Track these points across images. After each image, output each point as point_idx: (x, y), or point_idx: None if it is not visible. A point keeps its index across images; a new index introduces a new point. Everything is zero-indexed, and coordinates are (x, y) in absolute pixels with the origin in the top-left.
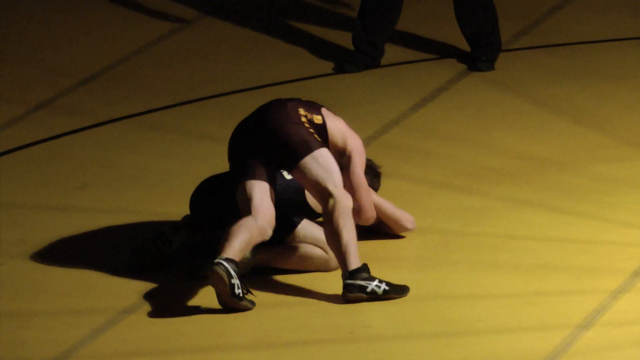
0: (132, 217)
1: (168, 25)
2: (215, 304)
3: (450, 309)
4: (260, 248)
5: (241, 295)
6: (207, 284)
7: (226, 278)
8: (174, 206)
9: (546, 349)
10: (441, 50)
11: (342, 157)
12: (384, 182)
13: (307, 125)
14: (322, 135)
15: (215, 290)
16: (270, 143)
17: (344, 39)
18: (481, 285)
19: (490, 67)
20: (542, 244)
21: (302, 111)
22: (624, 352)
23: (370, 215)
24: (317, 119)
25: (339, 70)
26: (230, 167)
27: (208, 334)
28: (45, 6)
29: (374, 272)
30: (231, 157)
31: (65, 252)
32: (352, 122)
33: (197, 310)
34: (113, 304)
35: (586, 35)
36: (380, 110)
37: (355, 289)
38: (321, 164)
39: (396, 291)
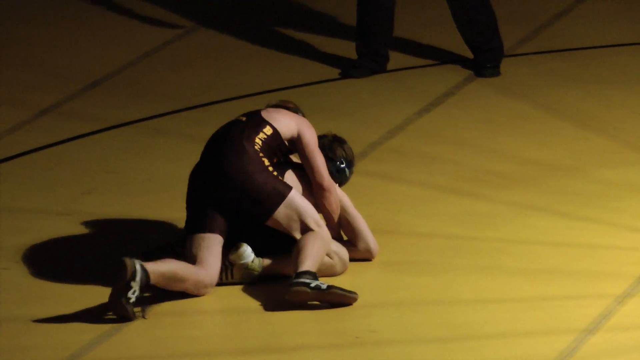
0: (138, 222)
1: (173, 30)
2: (221, 309)
3: (456, 314)
4: (266, 258)
5: (131, 302)
6: (214, 291)
7: (128, 276)
8: (180, 211)
9: (551, 354)
10: (447, 56)
11: (298, 142)
12: (390, 187)
13: (270, 167)
14: (277, 141)
15: (114, 284)
16: (239, 197)
17: (349, 45)
18: (486, 289)
19: (496, 73)
20: (547, 248)
21: (258, 147)
22: (630, 357)
23: (330, 188)
24: (267, 131)
25: (345, 75)
26: (188, 215)
27: (215, 338)
28: (52, 10)
29: (380, 276)
30: (189, 204)
31: (70, 257)
32: (357, 127)
33: (204, 315)
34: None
35: (591, 41)
36: (386, 115)
37: (299, 284)
38: (295, 209)
39: (343, 290)
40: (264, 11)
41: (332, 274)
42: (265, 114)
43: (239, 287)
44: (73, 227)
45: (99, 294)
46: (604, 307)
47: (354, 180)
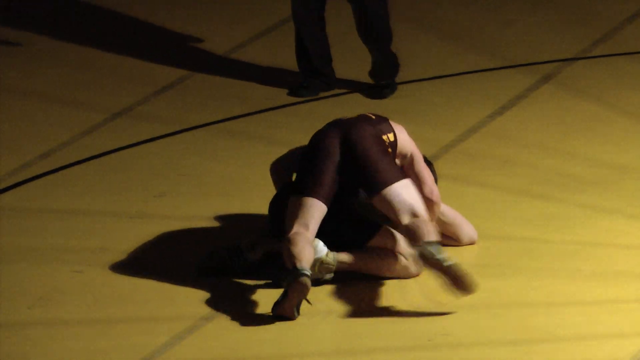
0: (211, 225)
1: (246, 33)
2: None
3: (530, 317)
4: (340, 253)
5: (299, 308)
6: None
7: (306, 292)
8: (252, 215)
9: (625, 357)
10: (519, 58)
11: (405, 159)
12: (463, 190)
13: (390, 152)
14: (393, 150)
15: (289, 298)
16: (357, 164)
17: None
18: (560, 292)
19: (393, 89)
20: (622, 251)
21: (384, 136)
22: None
23: (438, 202)
24: (391, 137)
25: (294, 94)
26: (300, 172)
27: (286, 341)
28: (127, 16)
29: None
30: (304, 164)
31: (143, 260)
32: (430, 130)
33: (275, 317)
34: (192, 311)
35: None
36: (458, 118)
37: (427, 251)
38: (410, 193)
39: (463, 273)
40: (338, 13)
41: (405, 275)
42: (392, 122)
43: (312, 289)
44: (145, 230)
45: (172, 296)
46: None
47: None
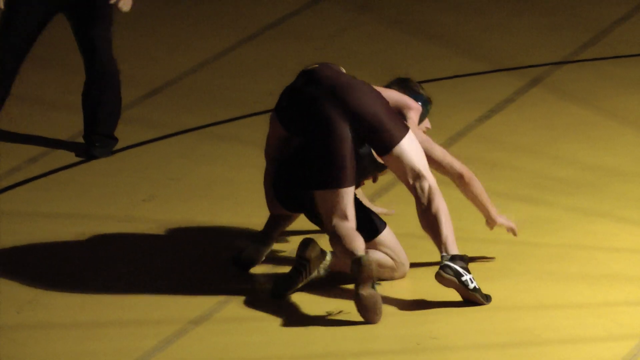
0: (200, 228)
1: (234, 37)
2: (283, 315)
3: (518, 319)
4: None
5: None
6: (270, 296)
7: (373, 270)
8: (242, 217)
9: None
10: (507, 61)
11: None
12: (451, 193)
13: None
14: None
15: (363, 284)
16: (368, 130)
17: None
18: (548, 295)
19: (106, 153)
20: (609, 254)
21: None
22: None
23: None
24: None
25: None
26: (318, 161)
27: (274, 344)
28: (116, 21)
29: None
30: (320, 152)
31: (132, 264)
32: None
33: (262, 320)
34: (180, 315)
35: None
36: (446, 122)
37: (452, 272)
38: (413, 148)
39: (482, 296)
40: (316, 22)
41: (390, 277)
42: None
43: (301, 293)
44: (134, 234)
45: (160, 300)
46: None
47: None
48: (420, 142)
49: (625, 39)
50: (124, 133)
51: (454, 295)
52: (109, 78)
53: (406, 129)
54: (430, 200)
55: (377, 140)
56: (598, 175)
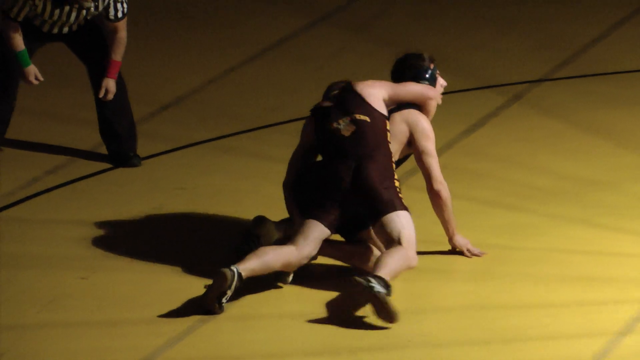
0: (206, 234)
1: (238, 58)
2: (282, 313)
3: (502, 318)
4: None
5: (223, 305)
6: (274, 295)
7: (226, 286)
8: (244, 223)
9: (588, 355)
10: (490, 79)
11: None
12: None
13: (396, 181)
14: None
15: (211, 288)
16: (364, 195)
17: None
18: (528, 295)
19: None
20: (585, 257)
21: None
22: None
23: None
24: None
25: None
26: (310, 193)
27: (278, 341)
28: (128, 42)
29: (430, 283)
30: (316, 184)
31: (144, 267)
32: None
33: (268, 318)
34: (189, 314)
35: (629, 64)
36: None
37: (366, 280)
38: (400, 221)
39: (393, 309)
40: (319, 39)
41: (364, 265)
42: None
43: (297, 292)
44: (145, 239)
45: (171, 300)
46: (637, 311)
47: (405, 194)
48: (425, 145)
49: (599, 58)
50: (137, 146)
51: (442, 296)
52: (117, 99)
53: (401, 206)
54: (392, 250)
55: (370, 207)
56: (574, 185)
